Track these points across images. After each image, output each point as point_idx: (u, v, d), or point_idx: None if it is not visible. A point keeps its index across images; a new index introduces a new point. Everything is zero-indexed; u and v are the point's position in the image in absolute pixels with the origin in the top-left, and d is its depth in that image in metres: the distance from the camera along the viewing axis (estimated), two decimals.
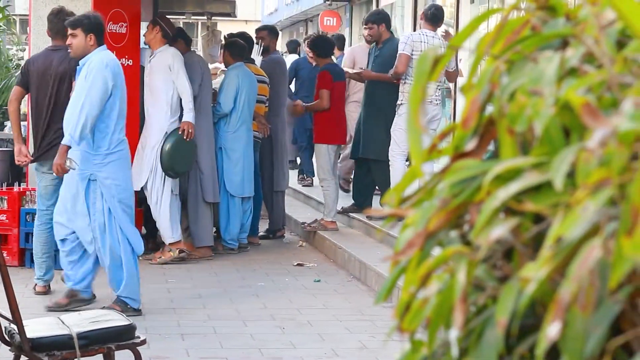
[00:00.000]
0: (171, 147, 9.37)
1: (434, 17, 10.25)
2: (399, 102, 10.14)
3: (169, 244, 9.55)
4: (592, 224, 1.23)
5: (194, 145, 9.58)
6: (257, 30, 11.73)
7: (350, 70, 11.17)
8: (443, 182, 1.45)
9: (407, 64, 9.87)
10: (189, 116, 9.44)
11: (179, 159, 9.45)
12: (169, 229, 9.51)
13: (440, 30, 10.65)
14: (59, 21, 8.20)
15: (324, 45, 10.94)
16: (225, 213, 10.21)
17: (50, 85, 8.14)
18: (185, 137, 9.40)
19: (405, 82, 10.02)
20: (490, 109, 1.48)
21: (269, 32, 11.60)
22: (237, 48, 10.36)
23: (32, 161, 8.19)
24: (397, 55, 10.05)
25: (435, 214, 1.43)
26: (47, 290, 8.09)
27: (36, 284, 8.14)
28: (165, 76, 9.38)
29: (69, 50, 7.54)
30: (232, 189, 10.16)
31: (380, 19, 11.06)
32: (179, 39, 9.96)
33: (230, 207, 10.20)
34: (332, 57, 11.05)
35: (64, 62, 8.09)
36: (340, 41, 12.97)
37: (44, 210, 8.10)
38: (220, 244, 10.34)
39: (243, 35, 10.90)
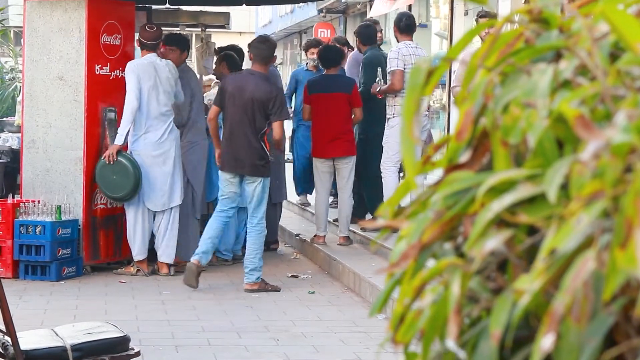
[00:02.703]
0: (96, 172, 9.29)
1: (407, 27, 10.22)
2: (389, 116, 10.12)
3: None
4: (586, 236, 1.23)
5: (128, 169, 9.22)
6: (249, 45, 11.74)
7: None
8: (437, 194, 1.45)
9: (403, 79, 9.81)
10: (116, 138, 9.26)
11: (110, 184, 9.25)
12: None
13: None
14: (266, 49, 8.93)
15: (327, 55, 10.77)
16: None
17: (242, 106, 8.72)
18: (107, 162, 9.20)
19: (396, 96, 9.99)
20: (484, 121, 1.48)
21: None
22: (234, 60, 10.37)
23: (220, 168, 9.01)
24: (390, 71, 9.98)
25: (429, 226, 1.43)
26: (198, 266, 8.73)
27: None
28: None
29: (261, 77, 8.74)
30: None
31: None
32: (173, 46, 9.93)
33: None
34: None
35: (259, 86, 8.74)
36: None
37: (226, 210, 8.90)
38: (215, 255, 10.30)
39: (234, 48, 10.88)
